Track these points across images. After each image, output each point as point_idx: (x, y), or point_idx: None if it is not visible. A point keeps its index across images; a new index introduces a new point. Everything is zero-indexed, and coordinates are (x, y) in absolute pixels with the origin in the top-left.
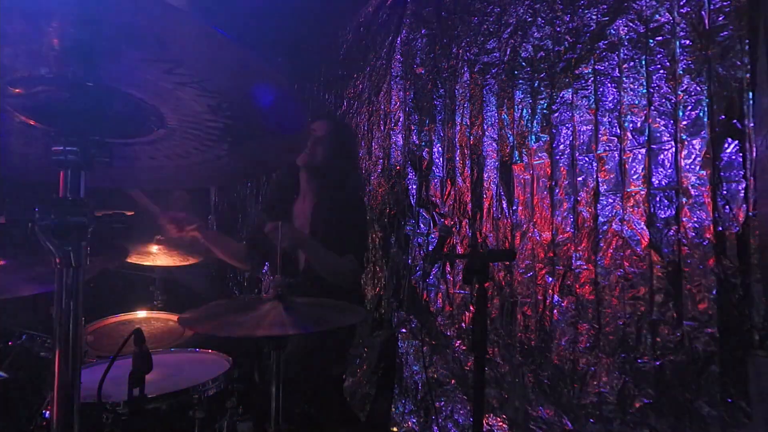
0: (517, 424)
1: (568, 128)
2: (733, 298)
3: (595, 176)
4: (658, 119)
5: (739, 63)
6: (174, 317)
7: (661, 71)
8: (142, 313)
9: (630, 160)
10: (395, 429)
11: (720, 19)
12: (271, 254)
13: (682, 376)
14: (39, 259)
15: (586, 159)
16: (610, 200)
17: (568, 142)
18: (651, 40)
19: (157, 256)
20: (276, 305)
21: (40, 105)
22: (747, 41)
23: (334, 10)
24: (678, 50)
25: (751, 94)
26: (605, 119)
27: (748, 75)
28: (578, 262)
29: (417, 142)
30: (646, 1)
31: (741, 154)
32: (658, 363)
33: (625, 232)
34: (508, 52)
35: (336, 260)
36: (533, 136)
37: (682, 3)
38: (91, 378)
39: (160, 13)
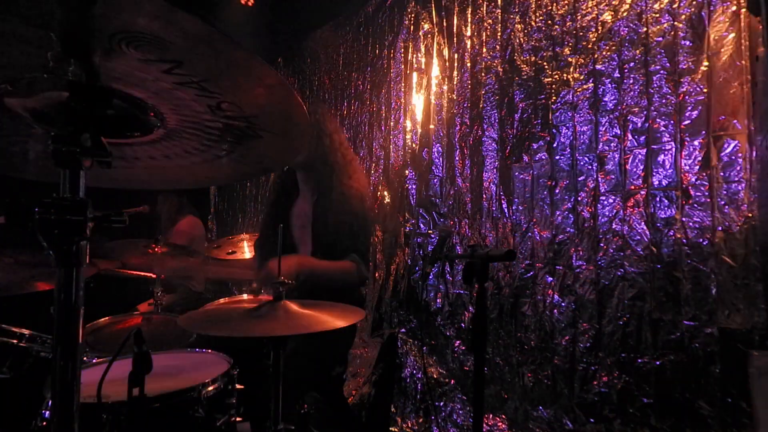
0: (517, 424)
1: (568, 128)
2: (733, 298)
3: (595, 176)
4: (658, 120)
5: (739, 63)
6: (174, 317)
7: (662, 72)
8: (141, 313)
9: (630, 160)
10: (395, 429)
11: (720, 19)
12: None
13: (682, 376)
14: (39, 259)
15: (587, 159)
16: (611, 200)
17: (568, 142)
18: (651, 41)
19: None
20: (276, 306)
21: (40, 105)
22: (747, 41)
23: (333, 10)
24: (678, 50)
25: (751, 94)
26: (605, 119)
27: (748, 75)
28: (578, 262)
29: (417, 142)
30: (646, 1)
31: (741, 154)
32: (658, 363)
33: (625, 232)
34: (508, 52)
35: (338, 271)
36: (533, 136)
37: (682, 4)
38: (91, 378)
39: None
